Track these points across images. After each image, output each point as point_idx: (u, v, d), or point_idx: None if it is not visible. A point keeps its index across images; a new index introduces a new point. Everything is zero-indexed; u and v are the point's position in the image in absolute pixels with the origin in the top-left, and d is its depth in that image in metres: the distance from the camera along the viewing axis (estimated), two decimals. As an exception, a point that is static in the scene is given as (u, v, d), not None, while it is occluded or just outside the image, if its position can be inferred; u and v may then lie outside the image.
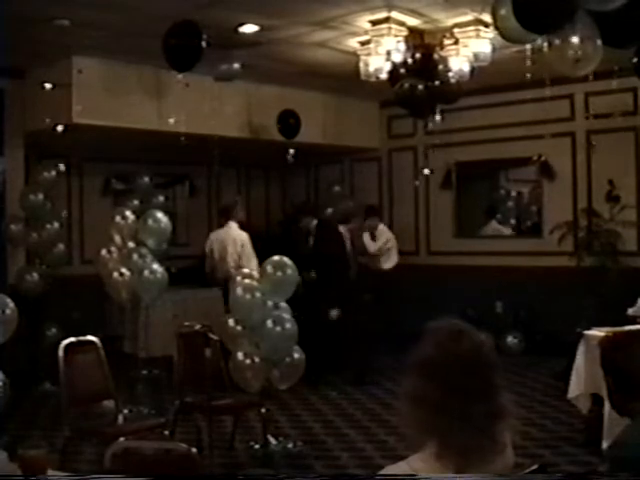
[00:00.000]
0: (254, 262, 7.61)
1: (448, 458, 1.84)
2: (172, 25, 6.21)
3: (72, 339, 5.00)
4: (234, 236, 8.22)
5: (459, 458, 1.84)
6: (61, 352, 4.85)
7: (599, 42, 4.61)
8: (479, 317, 9.18)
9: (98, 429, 4.98)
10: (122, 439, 4.08)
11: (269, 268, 5.57)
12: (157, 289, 6.96)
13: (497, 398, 1.87)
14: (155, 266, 6.89)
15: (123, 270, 7.00)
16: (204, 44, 6.29)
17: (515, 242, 9.92)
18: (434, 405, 1.84)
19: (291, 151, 8.53)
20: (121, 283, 7.02)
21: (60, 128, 7.70)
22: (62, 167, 8.50)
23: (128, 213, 7.26)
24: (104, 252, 7.14)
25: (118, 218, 7.20)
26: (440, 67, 6.92)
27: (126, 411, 5.73)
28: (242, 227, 8.39)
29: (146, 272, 6.82)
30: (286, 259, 5.62)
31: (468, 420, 1.82)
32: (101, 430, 4.91)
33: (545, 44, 4.67)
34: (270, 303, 5.55)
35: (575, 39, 4.54)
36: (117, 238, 7.14)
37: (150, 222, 7.11)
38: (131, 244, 7.01)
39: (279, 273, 5.57)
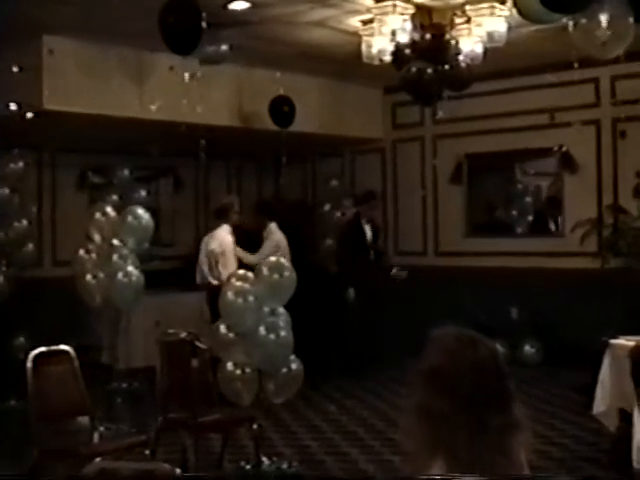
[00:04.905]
0: (229, 271, 7.44)
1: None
2: (168, 3, 6.13)
3: (42, 349, 5.01)
4: (220, 240, 8.19)
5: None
6: (30, 363, 4.86)
7: (631, 20, 4.55)
8: (492, 324, 9.15)
9: (71, 448, 5.00)
10: (98, 459, 4.12)
11: (265, 270, 5.51)
12: (133, 294, 6.90)
13: (512, 409, 1.84)
14: (130, 268, 6.81)
15: (97, 272, 6.94)
16: (204, 24, 6.24)
17: (533, 242, 9.88)
18: (444, 418, 1.81)
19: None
20: (95, 287, 6.95)
21: (29, 115, 7.66)
22: (32, 158, 8.47)
23: (109, 209, 7.21)
24: (82, 252, 7.08)
25: (98, 215, 7.14)
26: (450, 49, 6.88)
27: (103, 428, 5.71)
28: (238, 230, 8.36)
29: (120, 275, 6.75)
30: (283, 260, 5.58)
31: (482, 433, 1.79)
32: (75, 450, 4.93)
33: (570, 23, 4.62)
34: (266, 309, 5.50)
35: (604, 18, 4.49)
36: (97, 237, 7.08)
37: (130, 219, 7.06)
38: (116, 242, 6.95)
39: (275, 276, 5.51)
